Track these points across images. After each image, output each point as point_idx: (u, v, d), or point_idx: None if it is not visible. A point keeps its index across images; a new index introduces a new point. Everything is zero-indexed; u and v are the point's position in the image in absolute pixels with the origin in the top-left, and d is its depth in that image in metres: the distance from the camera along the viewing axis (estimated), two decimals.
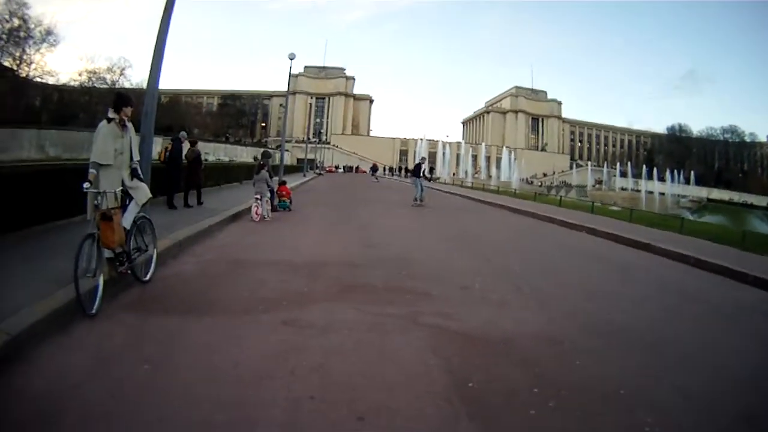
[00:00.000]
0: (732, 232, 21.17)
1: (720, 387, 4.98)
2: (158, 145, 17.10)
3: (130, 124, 6.82)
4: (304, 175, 55.19)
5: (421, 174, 25.02)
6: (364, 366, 4.82)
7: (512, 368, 5.03)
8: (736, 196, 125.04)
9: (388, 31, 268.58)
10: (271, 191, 16.54)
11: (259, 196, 15.18)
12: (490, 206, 29.11)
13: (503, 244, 14.51)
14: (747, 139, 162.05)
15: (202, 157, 17.99)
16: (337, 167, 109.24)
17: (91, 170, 6.26)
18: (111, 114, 6.59)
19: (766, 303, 9.27)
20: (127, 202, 6.78)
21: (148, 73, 10.67)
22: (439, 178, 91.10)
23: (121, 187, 6.58)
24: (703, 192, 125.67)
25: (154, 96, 10.54)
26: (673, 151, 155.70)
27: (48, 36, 72.77)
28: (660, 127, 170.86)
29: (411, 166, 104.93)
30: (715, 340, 6.58)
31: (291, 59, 40.57)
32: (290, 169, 58.18)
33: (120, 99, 6.73)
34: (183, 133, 16.71)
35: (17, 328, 4.70)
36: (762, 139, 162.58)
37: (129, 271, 6.70)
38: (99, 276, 5.84)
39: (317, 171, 78.50)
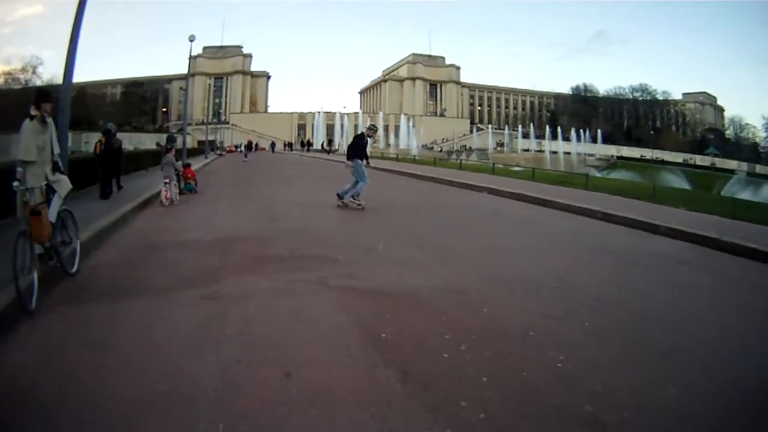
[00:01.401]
0: (643, 187, 22.45)
1: (625, 324, 5.67)
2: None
3: (50, 120, 6.93)
4: (206, 157, 54.41)
5: (367, 155, 16.03)
6: (282, 328, 5.30)
7: (421, 318, 5.56)
8: (648, 153, 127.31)
9: (286, 4, 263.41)
10: (178, 175, 16.77)
11: (167, 180, 15.37)
12: (390, 173, 29.90)
13: (405, 207, 15.47)
14: (659, 97, 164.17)
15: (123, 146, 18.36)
16: (237, 147, 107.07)
17: (18, 168, 6.38)
18: (33, 111, 6.67)
19: (670, 250, 10.04)
20: (51, 197, 6.86)
21: (63, 67, 10.65)
22: (337, 150, 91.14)
23: (45, 182, 6.70)
24: (611, 150, 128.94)
25: (69, 89, 10.65)
26: (578, 111, 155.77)
27: None
28: (566, 88, 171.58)
29: (312, 140, 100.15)
30: (620, 285, 7.34)
31: (191, 41, 39.71)
32: (192, 152, 57.08)
33: (39, 95, 6.77)
34: (112, 125, 17.00)
35: None
36: (677, 97, 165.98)
37: (58, 264, 6.82)
38: (34, 272, 5.97)
39: (218, 152, 77.19)
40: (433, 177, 24.98)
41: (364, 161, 15.19)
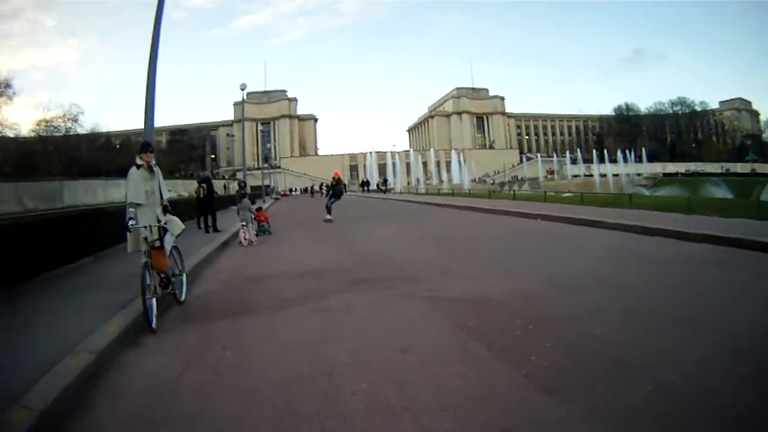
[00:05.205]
0: (679, 200, 22.53)
1: (649, 303, 7.00)
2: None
3: (157, 168, 7.88)
4: (264, 201, 55.69)
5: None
6: (386, 324, 6.54)
7: (495, 313, 6.82)
8: (692, 167, 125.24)
9: (327, 48, 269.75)
10: (252, 217, 17.70)
11: (244, 223, 16.48)
12: (447, 208, 30.44)
13: (468, 237, 16.40)
14: (698, 108, 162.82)
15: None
16: (291, 190, 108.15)
17: (129, 209, 7.28)
18: (138, 160, 7.67)
19: (706, 253, 10.76)
20: (163, 234, 7.67)
21: (144, 118, 12.54)
22: (393, 189, 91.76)
23: (159, 222, 7.55)
24: (657, 168, 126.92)
25: (150, 135, 12.40)
26: (622, 131, 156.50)
27: (6, 89, 71.29)
28: (609, 109, 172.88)
29: (368, 180, 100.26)
30: (648, 280, 8.51)
31: (242, 89, 41.54)
32: (249, 197, 58.25)
33: (142, 146, 7.79)
34: (208, 173, 19.08)
35: (97, 347, 5.55)
36: (714, 106, 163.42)
37: (172, 292, 7.76)
38: (154, 298, 6.91)
39: (274, 196, 78.84)
40: (489, 209, 25.78)
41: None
